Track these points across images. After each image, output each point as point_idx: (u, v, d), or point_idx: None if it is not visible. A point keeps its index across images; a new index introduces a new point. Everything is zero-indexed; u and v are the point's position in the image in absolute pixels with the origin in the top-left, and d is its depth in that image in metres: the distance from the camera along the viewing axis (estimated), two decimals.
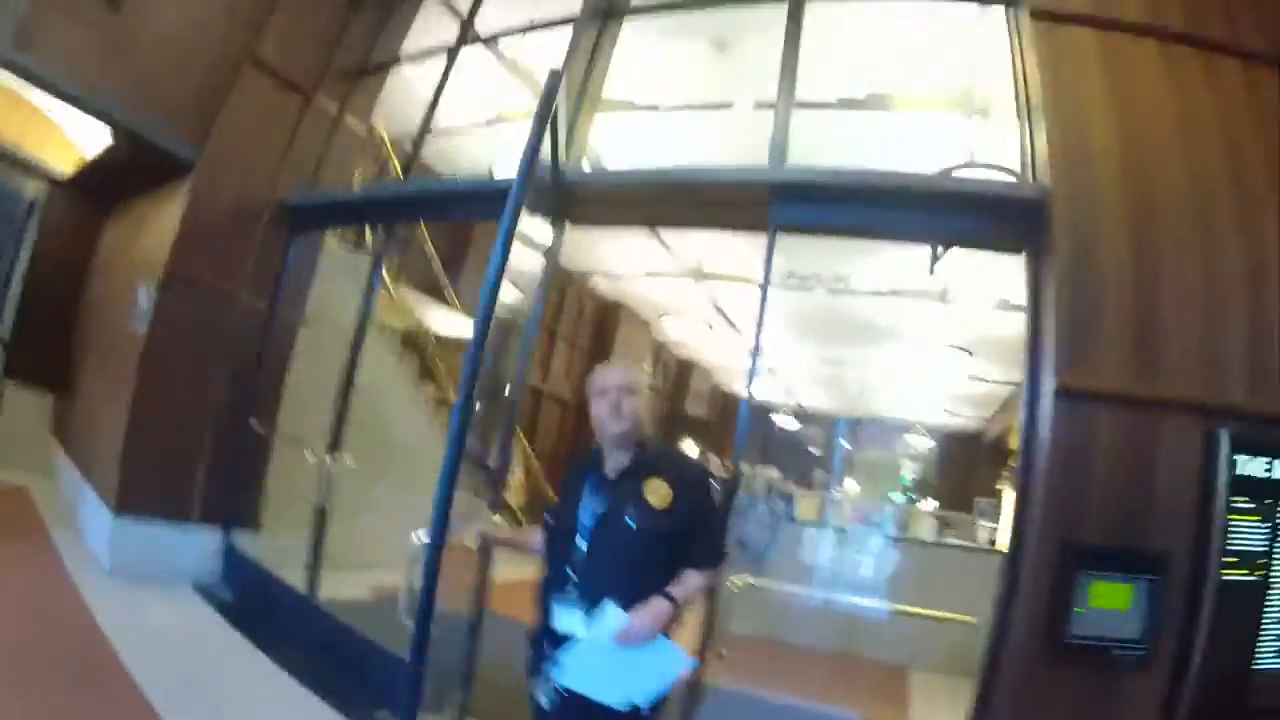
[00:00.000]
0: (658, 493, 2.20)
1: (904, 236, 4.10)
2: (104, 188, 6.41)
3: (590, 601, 2.13)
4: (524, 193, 2.71)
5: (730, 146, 3.76)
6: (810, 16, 4.46)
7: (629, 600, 2.09)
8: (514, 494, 10.10)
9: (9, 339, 6.21)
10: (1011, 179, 3.58)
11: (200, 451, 5.28)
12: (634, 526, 2.16)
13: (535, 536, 2.49)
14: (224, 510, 5.35)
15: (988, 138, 5.79)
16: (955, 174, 5.27)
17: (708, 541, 2.31)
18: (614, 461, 2.32)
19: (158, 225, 5.58)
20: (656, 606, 2.10)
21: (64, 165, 6.35)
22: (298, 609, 4.78)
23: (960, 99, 6.24)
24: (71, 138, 6.11)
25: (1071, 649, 2.63)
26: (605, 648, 2.08)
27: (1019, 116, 3.69)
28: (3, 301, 6.21)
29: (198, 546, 5.24)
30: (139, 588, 4.69)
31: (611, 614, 2.09)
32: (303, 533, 4.99)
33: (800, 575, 7.52)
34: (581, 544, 2.21)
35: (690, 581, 2.19)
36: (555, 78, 3.11)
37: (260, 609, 4.88)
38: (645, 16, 4.96)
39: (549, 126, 3.20)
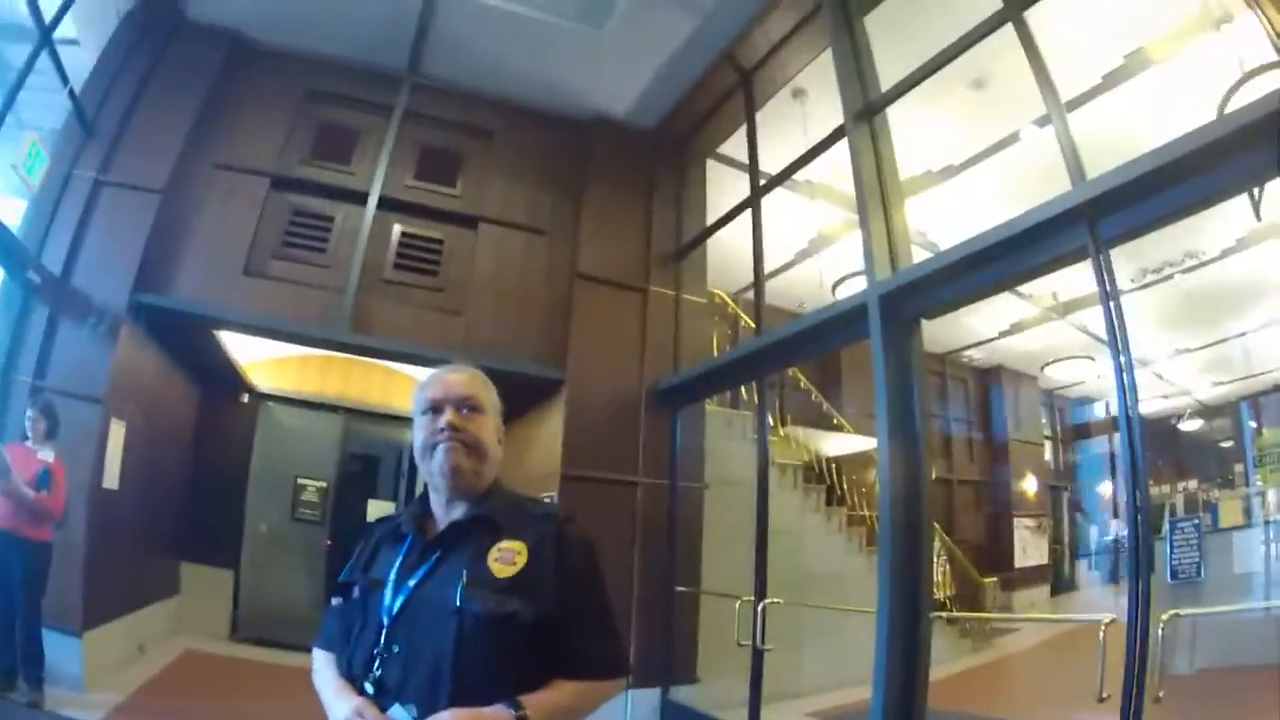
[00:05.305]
0: (507, 558, 1.44)
1: (1225, 194, 3.37)
2: None
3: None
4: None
5: (1041, 177, 3.52)
6: (1035, 12, 4.16)
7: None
8: (942, 589, 9.74)
9: None
10: None
11: (627, 623, 5.71)
12: (459, 606, 1.38)
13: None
14: (659, 670, 5.81)
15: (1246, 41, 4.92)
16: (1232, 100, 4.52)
17: (595, 637, 1.49)
18: (446, 516, 1.55)
19: (542, 440, 6.43)
20: (486, 716, 1.30)
21: None
22: None
23: (1200, 18, 5.50)
24: None
25: None
26: None
27: (1249, 5, 3.07)
28: None
29: (637, 707, 5.69)
30: None
31: None
32: (739, 675, 5.24)
33: (1238, 588, 6.72)
34: (381, 632, 1.44)
35: (560, 696, 1.39)
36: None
37: None
38: (904, 97, 4.95)
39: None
